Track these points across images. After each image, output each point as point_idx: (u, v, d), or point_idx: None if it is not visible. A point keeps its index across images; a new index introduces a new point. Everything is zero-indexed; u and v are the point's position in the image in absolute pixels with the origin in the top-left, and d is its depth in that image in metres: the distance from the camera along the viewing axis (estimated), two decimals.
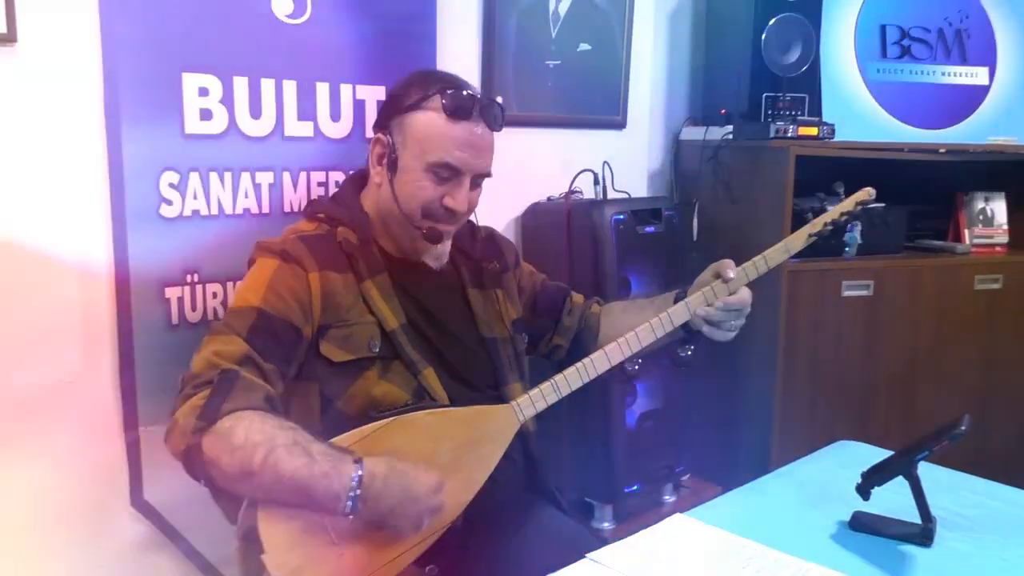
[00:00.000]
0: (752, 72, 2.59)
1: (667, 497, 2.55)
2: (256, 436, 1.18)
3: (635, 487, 2.35)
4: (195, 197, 1.73)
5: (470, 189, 1.46)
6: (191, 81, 1.69)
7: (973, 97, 2.82)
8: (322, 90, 1.88)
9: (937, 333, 2.71)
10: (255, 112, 1.78)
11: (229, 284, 1.80)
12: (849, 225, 1.54)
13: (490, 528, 1.46)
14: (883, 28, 2.74)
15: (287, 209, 1.86)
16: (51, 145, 1.59)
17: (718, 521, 1.33)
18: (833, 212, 1.52)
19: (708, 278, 1.52)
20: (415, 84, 1.47)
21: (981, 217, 2.86)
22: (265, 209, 1.83)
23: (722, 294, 1.48)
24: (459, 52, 2.19)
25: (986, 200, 2.86)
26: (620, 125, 2.65)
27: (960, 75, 2.82)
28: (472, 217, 1.58)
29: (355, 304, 1.41)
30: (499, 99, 1.95)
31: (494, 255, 1.65)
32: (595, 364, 1.44)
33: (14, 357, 1.59)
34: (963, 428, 1.25)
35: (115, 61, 1.59)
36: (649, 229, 2.31)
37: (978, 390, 2.80)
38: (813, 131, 2.46)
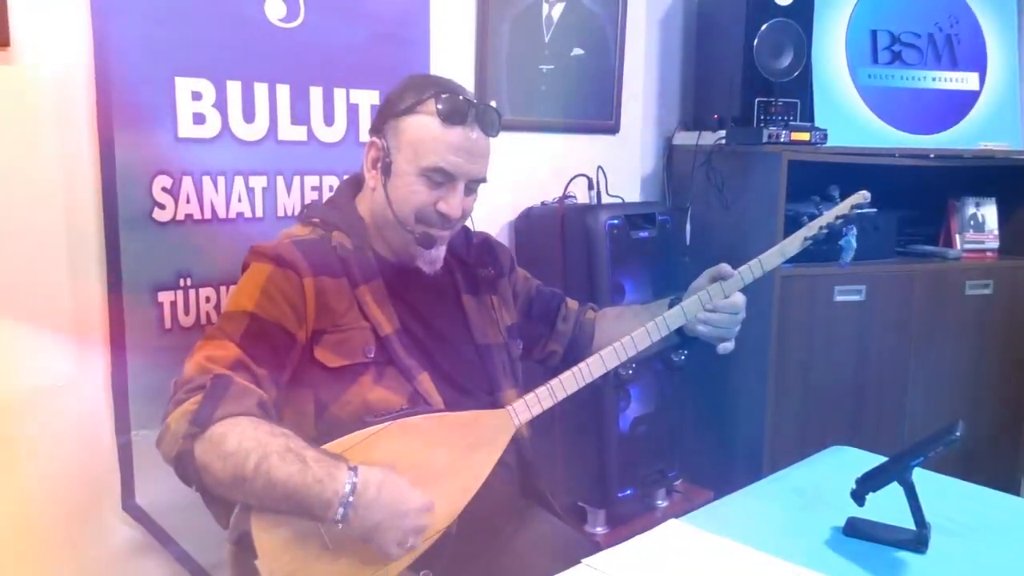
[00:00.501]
0: (744, 77, 2.60)
1: (660, 502, 2.55)
2: (249, 442, 1.18)
3: (628, 492, 2.35)
4: (188, 201, 1.72)
5: (465, 195, 1.46)
6: (184, 85, 1.68)
7: (964, 102, 2.84)
8: (315, 94, 1.87)
9: (928, 338, 2.72)
10: (248, 116, 1.78)
11: (222, 288, 1.79)
12: (845, 229, 1.54)
13: (485, 533, 1.46)
14: (874, 33, 2.76)
15: (280, 213, 1.86)
16: (44, 148, 1.58)
17: (713, 527, 1.33)
18: (828, 216, 1.52)
19: (704, 283, 1.52)
20: (410, 88, 1.46)
21: (972, 222, 2.87)
22: (259, 213, 1.82)
23: (718, 298, 1.49)
24: (453, 56, 2.19)
25: (977, 205, 2.88)
26: (613, 130, 2.65)
27: (951, 80, 2.84)
28: (468, 222, 1.58)
29: (350, 309, 1.41)
30: (493, 103, 1.96)
31: (489, 261, 1.65)
32: (591, 368, 1.44)
33: (6, 360, 1.58)
34: (957, 434, 1.26)
35: (108, 65, 1.59)
36: (643, 234, 2.31)
37: (968, 395, 2.82)
38: (805, 136, 2.47)
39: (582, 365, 1.44)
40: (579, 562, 1.22)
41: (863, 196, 1.53)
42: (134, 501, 1.73)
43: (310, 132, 1.88)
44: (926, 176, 2.75)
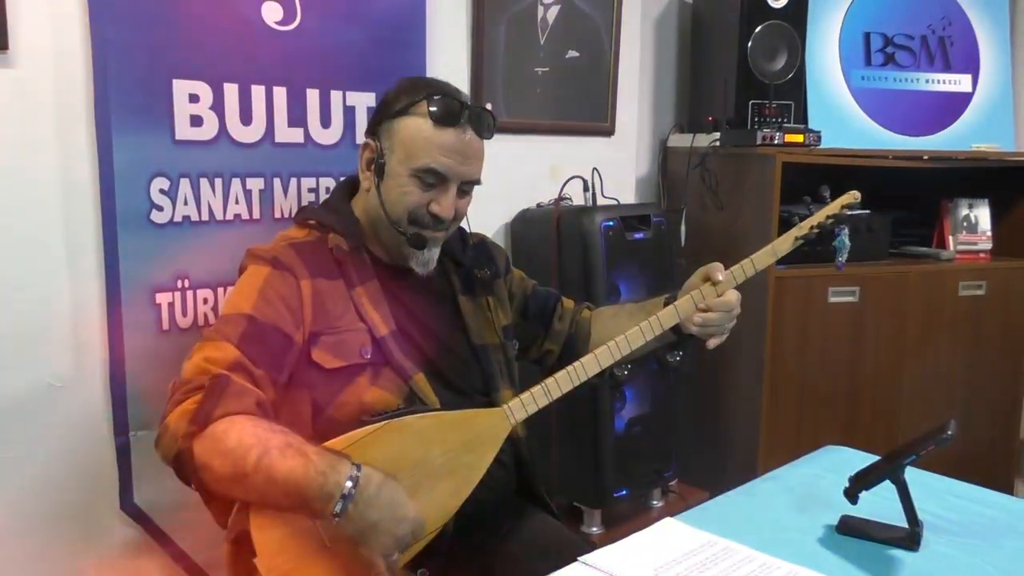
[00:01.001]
0: (738, 80, 2.62)
1: (655, 502, 2.56)
2: (249, 439, 1.19)
3: (624, 492, 2.36)
4: (186, 203, 1.72)
5: (459, 197, 1.47)
6: (181, 87, 1.69)
7: (957, 104, 2.86)
8: (312, 96, 1.88)
9: (922, 339, 2.74)
10: (245, 118, 1.78)
11: (220, 290, 1.80)
12: (837, 229, 1.55)
13: (481, 532, 1.47)
14: (867, 35, 2.78)
15: (277, 215, 1.86)
16: (42, 150, 1.58)
17: (707, 525, 1.34)
18: (819, 215, 1.54)
19: (697, 281, 1.53)
20: (404, 90, 1.48)
21: (965, 224, 2.89)
22: (256, 215, 1.83)
23: (711, 297, 1.50)
24: (449, 59, 2.20)
25: (970, 207, 2.89)
26: (608, 132, 2.67)
27: (943, 82, 2.86)
28: (464, 223, 1.59)
29: (346, 311, 1.42)
30: (488, 106, 1.97)
31: (485, 262, 1.66)
32: (585, 367, 1.45)
33: (4, 361, 1.58)
34: (950, 433, 1.27)
35: (105, 68, 1.59)
36: (638, 235, 2.32)
37: (962, 395, 2.83)
38: (799, 138, 2.48)
39: (576, 364, 1.45)
40: (575, 560, 1.23)
41: (853, 196, 1.54)
42: (132, 501, 1.73)
43: (307, 134, 1.89)
44: (919, 178, 2.77)
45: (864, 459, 1.62)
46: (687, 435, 2.63)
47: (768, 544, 1.27)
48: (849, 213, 1.55)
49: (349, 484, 1.17)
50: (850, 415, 2.69)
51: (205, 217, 1.76)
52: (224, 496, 1.24)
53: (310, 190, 1.91)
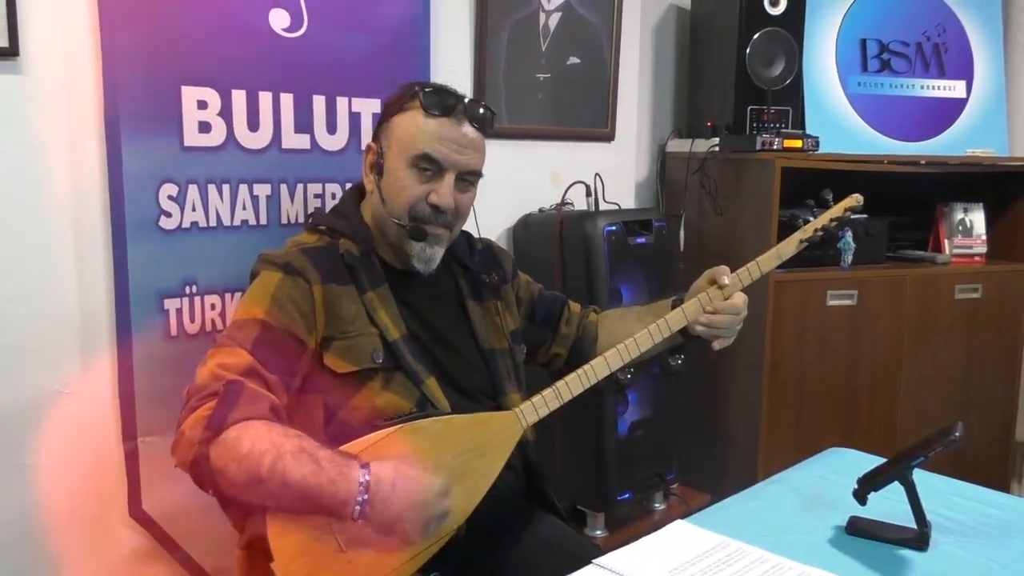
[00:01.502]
0: (737, 85, 2.64)
1: (657, 504, 2.57)
2: (262, 444, 1.19)
3: (627, 495, 2.37)
4: (194, 209, 1.73)
5: (461, 191, 1.48)
6: (190, 94, 1.69)
7: (951, 110, 2.89)
8: (318, 103, 1.89)
9: (919, 341, 2.76)
10: (253, 125, 1.79)
11: (227, 296, 1.80)
12: (840, 232, 1.57)
13: (492, 536, 1.48)
14: (863, 42, 2.80)
15: (284, 221, 1.87)
16: (52, 157, 1.59)
17: (717, 527, 1.35)
18: (823, 218, 1.56)
19: (703, 284, 1.55)
20: (400, 91, 1.51)
21: (960, 228, 2.92)
22: (263, 221, 1.84)
23: (717, 299, 1.52)
24: (452, 65, 2.21)
25: (965, 211, 2.92)
26: (609, 138, 2.68)
27: (938, 88, 2.88)
28: (472, 228, 1.60)
29: (358, 316, 1.43)
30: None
31: (492, 267, 1.67)
32: (595, 370, 1.46)
33: (12, 367, 1.59)
34: (957, 435, 1.29)
35: (115, 74, 1.60)
36: (640, 240, 2.33)
37: (958, 396, 2.86)
38: (798, 143, 2.50)
39: (587, 367, 1.46)
40: (588, 563, 1.24)
41: (856, 199, 1.57)
42: (140, 507, 1.73)
43: (313, 140, 1.90)
44: (915, 182, 2.79)
45: (867, 460, 1.64)
46: (688, 438, 2.65)
47: (779, 545, 1.28)
48: (852, 216, 1.58)
49: (361, 488, 1.18)
50: (849, 417, 2.71)
51: (213, 223, 1.77)
52: (241, 501, 1.24)
53: (316, 196, 1.92)
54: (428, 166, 1.45)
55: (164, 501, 1.75)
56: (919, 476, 1.33)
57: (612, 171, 2.60)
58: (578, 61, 2.53)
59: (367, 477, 1.19)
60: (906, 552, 1.31)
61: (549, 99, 2.49)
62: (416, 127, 1.45)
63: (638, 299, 2.33)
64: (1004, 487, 2.99)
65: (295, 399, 1.39)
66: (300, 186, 1.89)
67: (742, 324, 1.57)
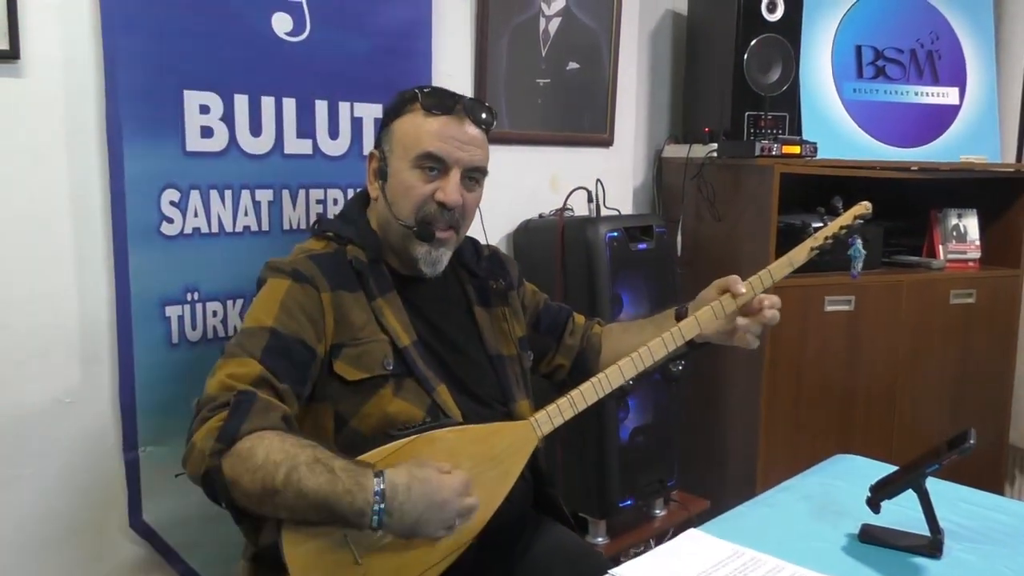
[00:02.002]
0: (734, 91, 2.64)
1: (657, 511, 2.56)
2: (277, 455, 1.18)
3: (629, 502, 2.36)
4: (196, 215, 1.71)
5: (468, 190, 1.48)
6: (192, 98, 1.67)
7: (945, 116, 2.91)
8: (321, 108, 1.87)
9: (915, 346, 2.78)
10: (255, 130, 1.77)
11: (229, 303, 1.78)
12: (850, 239, 1.58)
13: (501, 547, 1.47)
14: (858, 48, 2.82)
15: (286, 227, 1.85)
16: (53, 161, 1.56)
17: (730, 536, 1.35)
18: (832, 226, 1.57)
19: (713, 294, 1.55)
20: (398, 97, 1.52)
21: (955, 233, 2.94)
22: (265, 227, 1.82)
23: (730, 308, 1.52)
24: (453, 70, 2.20)
25: (959, 217, 2.94)
26: (607, 143, 2.68)
27: (932, 95, 2.90)
28: (479, 235, 1.59)
29: (368, 322, 1.41)
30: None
31: (499, 273, 1.66)
32: (610, 379, 1.46)
33: (12, 375, 1.56)
34: (972, 442, 1.29)
35: (117, 78, 1.57)
36: (642, 246, 2.33)
37: (953, 401, 2.87)
38: (796, 149, 2.51)
39: (601, 376, 1.46)
40: (601, 573, 1.22)
41: (865, 207, 1.57)
42: (141, 518, 1.70)
43: (315, 145, 1.88)
44: (910, 188, 2.80)
45: (873, 467, 1.64)
46: (687, 444, 2.64)
47: (793, 554, 1.28)
48: (861, 223, 1.58)
49: (377, 497, 1.17)
50: (846, 422, 2.72)
51: (215, 229, 1.74)
52: (255, 513, 1.22)
53: (318, 201, 1.91)
54: (433, 164, 1.44)
55: (165, 511, 1.72)
56: (928, 483, 1.33)
57: (610, 176, 2.59)
58: (577, 66, 2.52)
59: (382, 486, 1.17)
60: (920, 560, 1.31)
61: (549, 104, 2.48)
62: (418, 128, 1.45)
63: (639, 306, 2.33)
64: (998, 490, 3.01)
65: (304, 408, 1.37)
66: (302, 192, 1.87)
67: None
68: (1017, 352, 3.01)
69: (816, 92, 2.75)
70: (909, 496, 1.33)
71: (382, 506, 1.17)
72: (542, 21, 2.42)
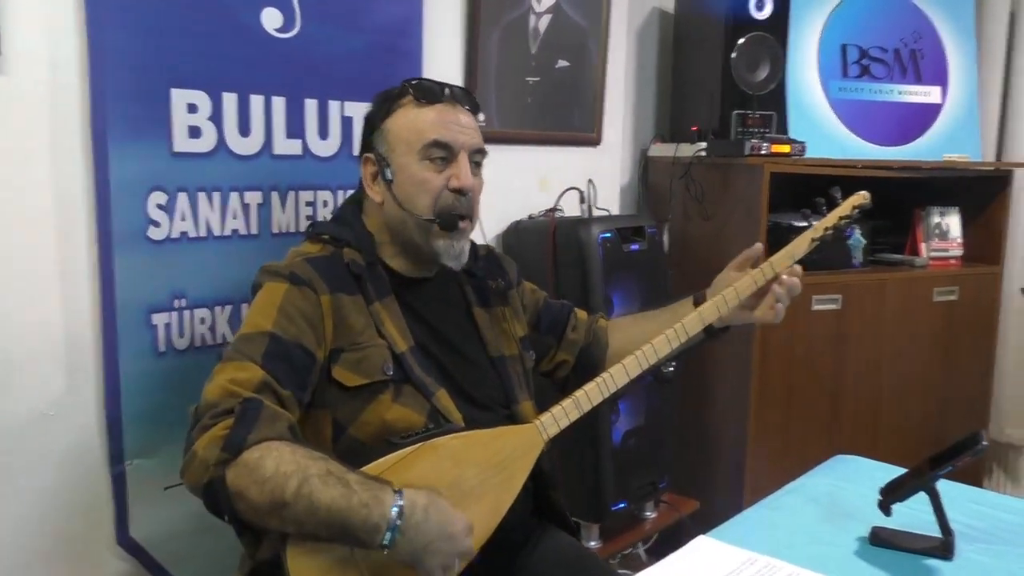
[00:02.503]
0: (722, 90, 2.63)
1: (648, 513, 2.54)
2: (287, 466, 1.14)
3: (622, 504, 2.34)
4: (183, 218, 1.65)
5: (473, 175, 1.45)
6: (180, 97, 1.61)
7: (928, 115, 2.92)
8: (311, 107, 1.82)
9: (900, 344, 2.79)
10: (244, 129, 1.72)
11: (218, 309, 1.73)
12: (848, 230, 1.58)
13: (503, 554, 1.43)
14: (844, 47, 2.82)
15: (276, 230, 1.80)
16: (36, 163, 1.50)
17: (740, 541, 1.33)
18: (831, 217, 1.57)
19: (732, 274, 1.56)
20: (381, 96, 1.50)
21: (937, 231, 2.95)
22: (254, 230, 1.76)
23: (732, 302, 1.52)
24: (443, 69, 2.15)
25: (941, 215, 2.95)
26: (596, 142, 2.65)
27: (915, 94, 2.91)
28: (479, 237, 1.56)
29: (367, 327, 1.38)
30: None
31: (497, 273, 1.64)
32: (614, 377, 1.44)
33: None
34: (985, 443, 1.29)
35: (102, 76, 1.51)
36: (634, 247, 2.31)
37: (938, 397, 2.89)
38: (786, 148, 2.50)
39: (606, 375, 1.44)
40: None
41: (864, 196, 1.58)
42: (128, 534, 1.64)
43: (305, 146, 1.83)
44: (894, 187, 2.81)
45: (876, 468, 1.64)
46: (677, 445, 2.63)
47: (805, 558, 1.27)
48: (859, 214, 1.58)
49: (395, 513, 1.13)
50: (833, 419, 2.72)
51: (203, 233, 1.69)
52: (259, 526, 1.17)
53: (308, 203, 1.86)
54: (441, 153, 1.42)
55: (153, 527, 1.66)
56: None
57: (598, 176, 2.56)
58: (568, 64, 2.49)
59: (401, 502, 1.14)
60: (932, 561, 1.30)
61: (538, 103, 2.45)
62: (416, 120, 1.43)
63: (630, 307, 2.31)
64: (975, 483, 3.03)
65: (302, 415, 1.33)
66: (292, 194, 1.82)
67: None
68: (997, 347, 3.03)
69: (803, 91, 2.75)
70: (918, 497, 1.32)
71: (399, 523, 1.13)
72: (532, 18, 2.38)
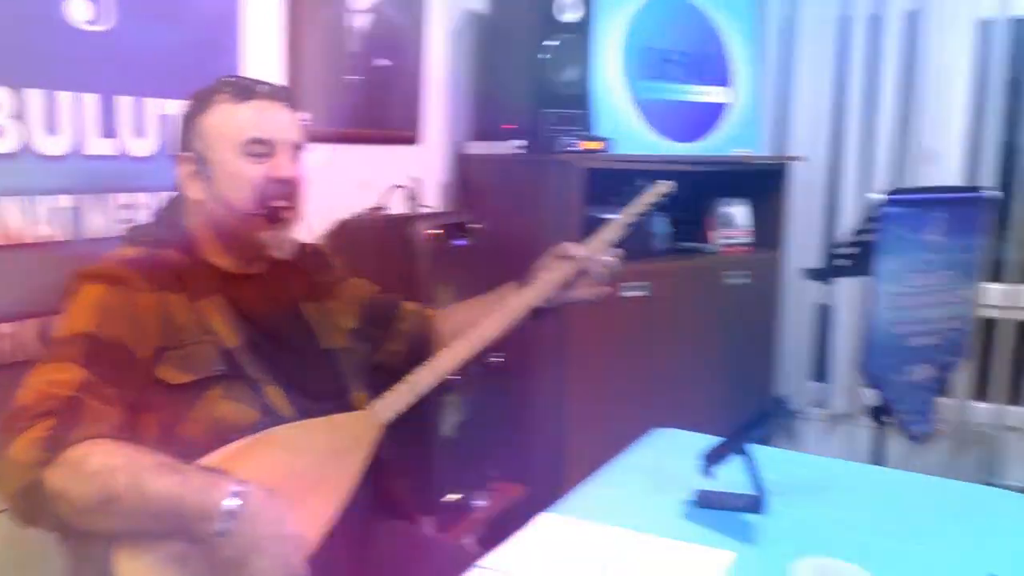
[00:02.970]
0: (534, 89, 2.73)
1: (478, 501, 2.60)
2: (116, 460, 1.11)
3: (452, 496, 2.39)
4: None
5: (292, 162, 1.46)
6: None
7: (717, 113, 3.18)
8: (125, 104, 1.74)
9: (698, 327, 3.00)
10: (51, 128, 1.61)
11: (27, 322, 1.61)
12: (653, 219, 1.73)
13: (345, 542, 1.43)
14: (645, 50, 3.00)
15: (91, 236, 1.70)
16: None
17: (582, 514, 1.42)
18: (639, 204, 1.72)
19: (550, 263, 1.65)
20: (196, 95, 1.48)
21: (726, 220, 3.22)
22: (66, 237, 1.66)
23: (554, 284, 1.63)
24: (263, 66, 2.11)
25: (730, 205, 3.23)
26: (415, 140, 2.68)
27: (706, 94, 3.17)
28: (307, 236, 1.55)
29: (192, 324, 1.35)
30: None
31: (323, 267, 1.66)
32: (444, 360, 1.49)
33: None
34: (787, 407, 1.45)
35: None
36: (460, 243, 2.36)
37: (734, 371, 3.13)
38: (598, 145, 2.64)
39: (437, 358, 1.49)
40: (464, 568, 1.24)
41: (669, 186, 1.73)
42: None
43: (120, 145, 1.74)
44: (692, 181, 3.03)
45: (693, 438, 1.78)
46: (501, 433, 2.71)
47: (643, 524, 1.37)
48: (667, 200, 1.73)
49: (232, 500, 1.11)
50: (645, 401, 2.88)
51: (8, 241, 1.56)
52: (83, 527, 1.12)
53: (125, 207, 1.76)
54: (260, 148, 1.41)
55: None
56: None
57: (420, 174, 2.60)
58: (387, 63, 2.50)
59: (238, 488, 1.12)
60: (749, 516, 1.45)
61: (358, 101, 2.44)
62: (234, 117, 1.41)
63: (456, 300, 2.35)
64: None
65: (128, 418, 1.27)
66: (108, 197, 1.73)
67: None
68: (780, 323, 3.36)
69: (608, 90, 2.91)
70: (737, 461, 1.46)
71: (236, 509, 1.10)
72: (351, 16, 2.37)
